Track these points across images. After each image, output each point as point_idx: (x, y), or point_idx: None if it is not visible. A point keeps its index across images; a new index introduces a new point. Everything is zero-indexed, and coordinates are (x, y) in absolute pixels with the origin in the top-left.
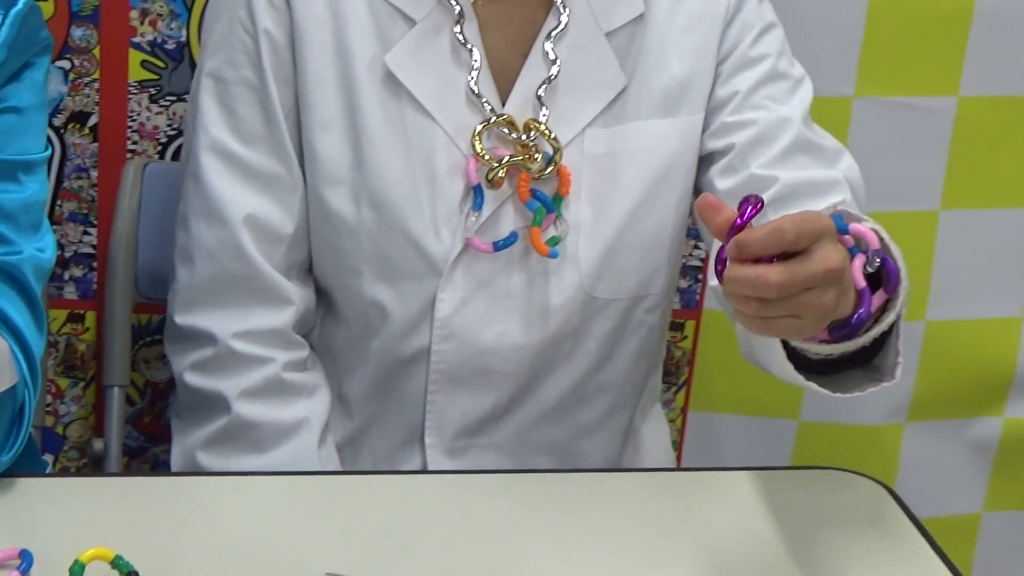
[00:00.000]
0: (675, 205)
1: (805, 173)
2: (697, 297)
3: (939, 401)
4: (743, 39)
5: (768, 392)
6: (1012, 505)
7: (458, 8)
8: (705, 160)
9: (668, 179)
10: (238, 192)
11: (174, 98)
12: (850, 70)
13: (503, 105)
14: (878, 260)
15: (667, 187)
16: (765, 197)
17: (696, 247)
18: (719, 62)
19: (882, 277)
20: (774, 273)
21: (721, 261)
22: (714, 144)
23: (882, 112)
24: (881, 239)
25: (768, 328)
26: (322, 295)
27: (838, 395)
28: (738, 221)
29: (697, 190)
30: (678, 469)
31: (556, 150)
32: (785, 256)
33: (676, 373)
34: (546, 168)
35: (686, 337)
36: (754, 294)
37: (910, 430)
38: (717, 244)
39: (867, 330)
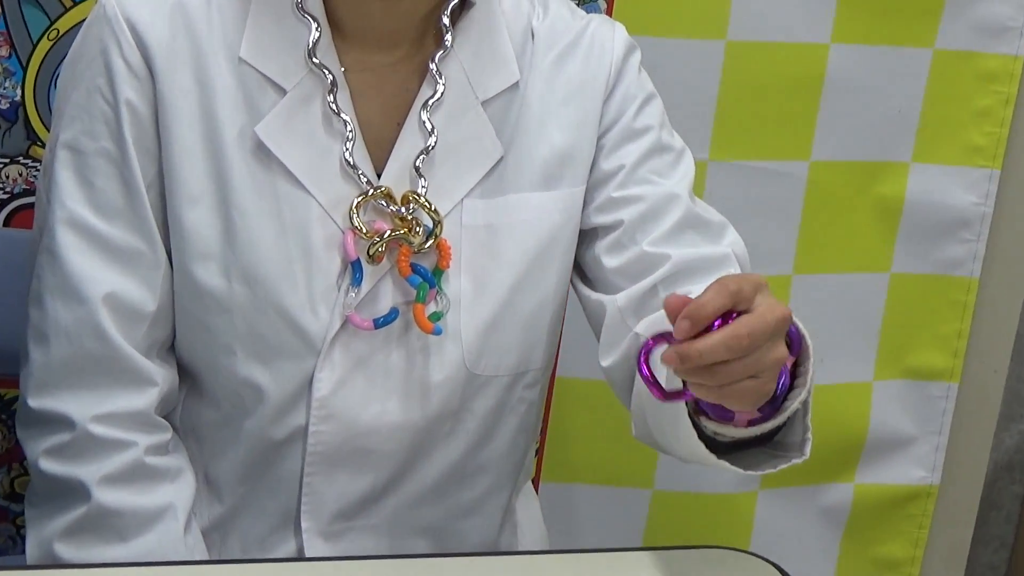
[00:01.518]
0: (556, 279)
1: (695, 251)
2: None
3: (792, 468)
4: (625, 111)
5: (621, 460)
6: (863, 572)
7: (330, 77)
8: (589, 234)
9: (549, 253)
10: (97, 269)
11: (7, 160)
12: (705, 134)
13: (379, 176)
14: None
15: (548, 261)
16: (657, 275)
17: None
18: (601, 134)
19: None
20: (741, 326)
21: (647, 352)
22: (600, 219)
23: (736, 176)
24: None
25: (729, 395)
26: (185, 373)
27: (750, 472)
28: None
29: (578, 264)
30: (560, 551)
31: (436, 223)
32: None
33: None
34: (426, 242)
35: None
36: (727, 355)
37: (764, 497)
38: (633, 346)
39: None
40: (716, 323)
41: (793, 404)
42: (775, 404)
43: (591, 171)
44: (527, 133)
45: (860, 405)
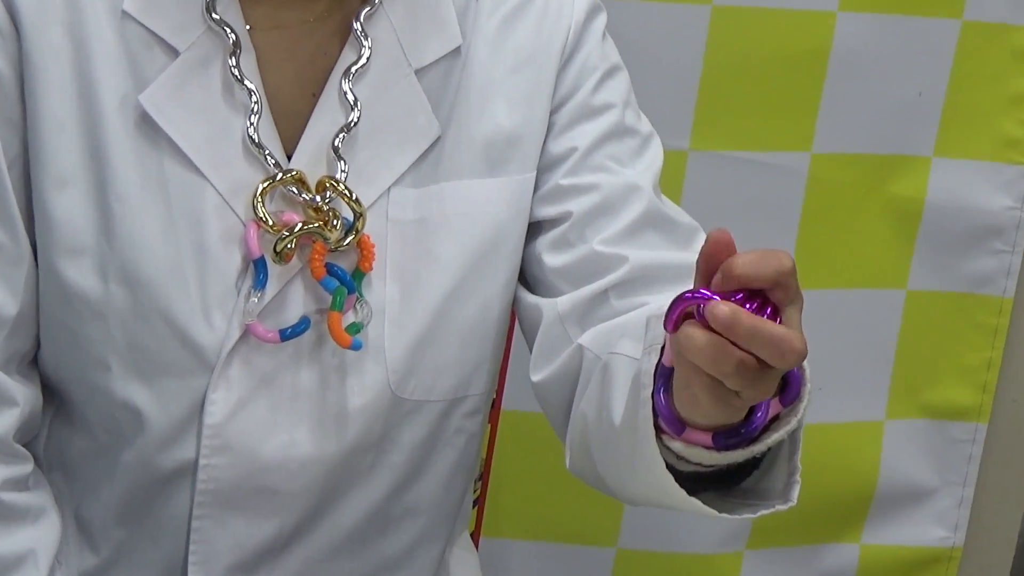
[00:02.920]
0: (502, 285)
1: (656, 254)
2: (494, 394)
3: (785, 524)
4: (582, 83)
5: (580, 512)
6: None
7: (232, 36)
8: (531, 228)
9: (493, 253)
10: None
11: None
12: (684, 119)
13: (289, 158)
14: None
15: (492, 263)
16: (608, 279)
17: None
18: (553, 110)
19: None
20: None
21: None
22: (545, 211)
23: (721, 170)
24: None
25: (713, 398)
26: (52, 393)
27: (724, 516)
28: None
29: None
30: None
31: (357, 215)
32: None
33: None
34: (344, 238)
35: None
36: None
37: (751, 559)
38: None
39: (753, 441)
40: (754, 303)
41: (776, 435)
42: (739, 437)
43: (540, 154)
44: (468, 108)
45: (868, 448)
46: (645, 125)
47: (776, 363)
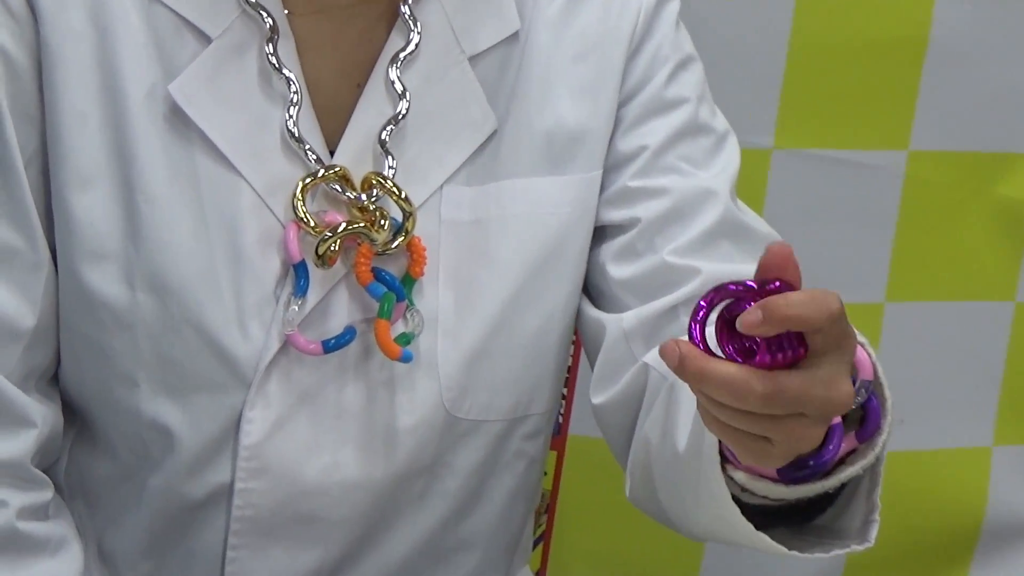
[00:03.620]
0: (566, 294)
1: (732, 268)
2: (560, 419)
3: (883, 561)
4: (653, 75)
5: (656, 547)
6: None
7: (269, 21)
8: (596, 234)
9: (556, 257)
10: None
11: None
12: (767, 114)
13: (332, 154)
14: (864, 394)
15: (555, 268)
16: (679, 294)
17: None
18: (621, 103)
19: (857, 413)
20: (759, 382)
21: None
22: (610, 215)
23: (808, 170)
24: (874, 367)
25: (734, 441)
26: (74, 413)
27: (794, 554)
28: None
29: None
30: None
31: (407, 215)
32: (776, 356)
33: None
34: (393, 240)
35: (544, 474)
36: (733, 402)
37: None
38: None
39: (825, 475)
40: (786, 343)
41: (851, 469)
42: (808, 471)
43: (607, 151)
44: (528, 100)
45: (974, 478)
46: (721, 122)
47: (737, 405)
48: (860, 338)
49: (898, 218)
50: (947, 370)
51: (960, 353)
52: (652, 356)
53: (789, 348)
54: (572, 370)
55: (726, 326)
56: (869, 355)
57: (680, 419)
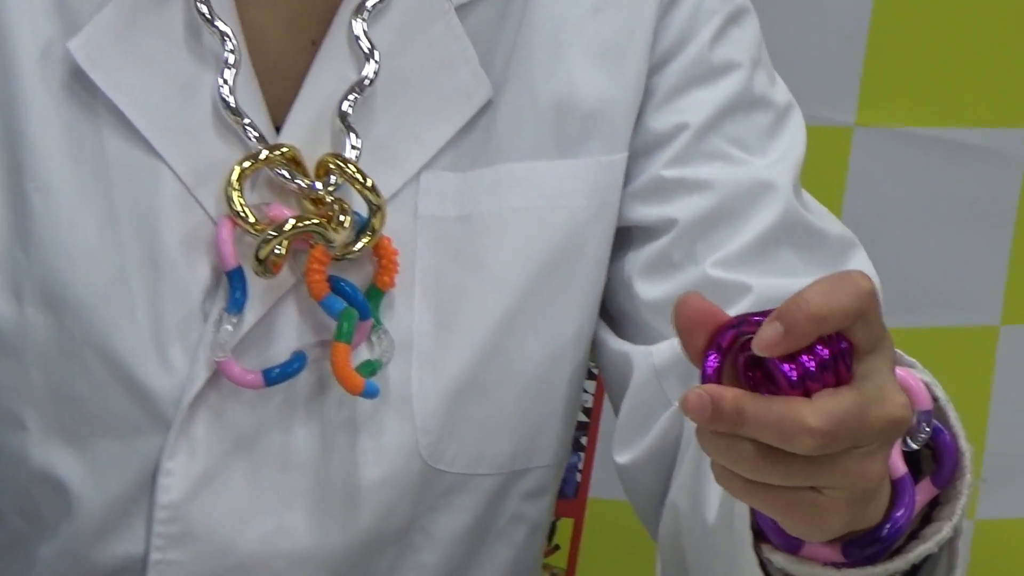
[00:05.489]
0: (580, 313)
1: (793, 282)
2: (578, 477)
3: None
4: (695, 33)
5: None
6: None
7: None
8: (620, 237)
9: (568, 265)
10: None
11: None
12: (848, 84)
13: (278, 130)
14: (928, 430)
15: (565, 279)
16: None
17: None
18: (652, 69)
19: (924, 457)
20: (812, 413)
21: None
22: (639, 213)
23: (900, 151)
24: (935, 398)
25: (768, 504)
26: None
27: None
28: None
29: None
30: None
31: (375, 209)
32: (801, 378)
33: None
34: (356, 241)
35: (558, 548)
36: (785, 444)
37: None
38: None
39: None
40: (822, 351)
41: (925, 545)
42: (880, 543)
43: (635, 129)
44: (532, 62)
45: None
46: (782, 93)
47: (788, 447)
48: (906, 358)
49: (1018, 212)
50: None
51: None
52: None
53: (829, 352)
54: (594, 415)
55: (746, 368)
56: (927, 383)
57: (712, 483)
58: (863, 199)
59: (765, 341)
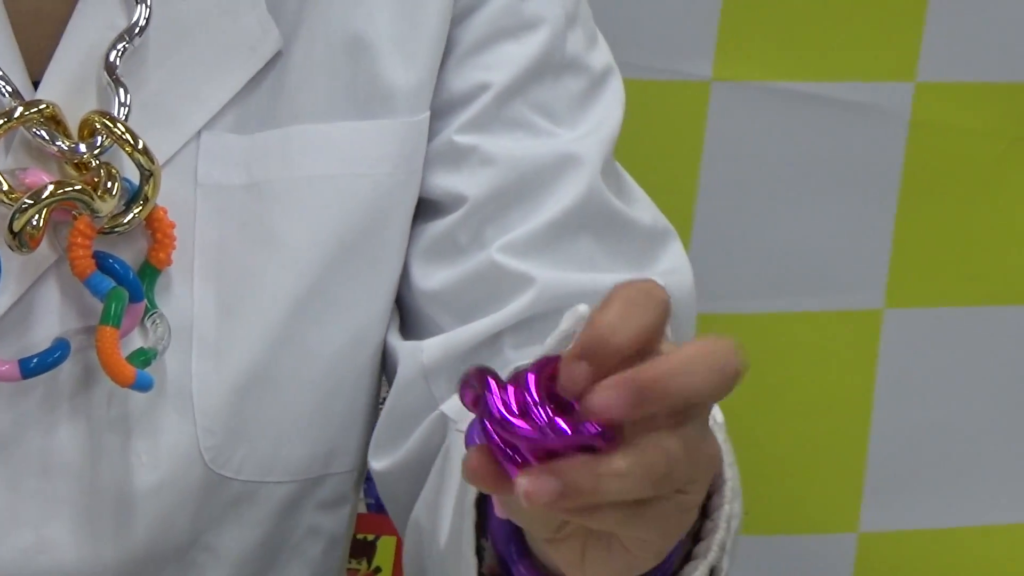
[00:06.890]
0: (385, 295)
1: (584, 277)
2: None
3: None
4: None
5: None
6: None
7: None
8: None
9: (371, 240)
10: None
11: None
12: (703, 32)
13: (36, 85)
14: None
15: (368, 255)
16: (505, 314)
17: None
18: (456, 18)
19: None
20: (622, 459)
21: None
22: (426, 184)
23: (765, 110)
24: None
25: (566, 547)
26: None
27: None
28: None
29: None
30: None
31: (148, 175)
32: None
33: None
34: (126, 212)
35: (379, 571)
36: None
37: None
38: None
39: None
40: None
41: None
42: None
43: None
44: (329, 6)
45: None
46: (601, 56)
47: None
48: None
49: (901, 180)
50: (973, 412)
51: (988, 384)
52: (456, 404)
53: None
54: None
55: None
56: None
57: (448, 497)
58: (723, 161)
59: (598, 405)
